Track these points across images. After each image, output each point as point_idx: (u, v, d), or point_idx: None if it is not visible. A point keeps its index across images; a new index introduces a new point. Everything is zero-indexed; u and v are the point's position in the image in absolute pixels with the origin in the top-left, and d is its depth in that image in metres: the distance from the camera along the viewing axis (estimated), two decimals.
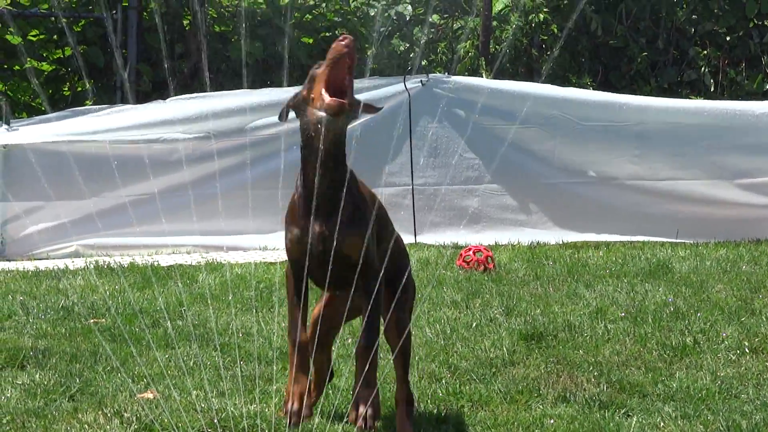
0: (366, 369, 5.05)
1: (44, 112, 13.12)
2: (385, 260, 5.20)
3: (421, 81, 11.49)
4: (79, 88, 17.00)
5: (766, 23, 17.27)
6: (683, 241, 11.09)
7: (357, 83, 11.51)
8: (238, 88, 12.18)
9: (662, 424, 5.71)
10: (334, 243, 5.05)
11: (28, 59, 18.20)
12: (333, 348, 5.72)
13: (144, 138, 10.90)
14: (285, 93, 11.27)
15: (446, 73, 12.37)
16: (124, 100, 14.61)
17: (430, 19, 18.08)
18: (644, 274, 9.45)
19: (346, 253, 5.07)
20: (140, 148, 10.73)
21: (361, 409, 5.03)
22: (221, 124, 11.04)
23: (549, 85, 12.17)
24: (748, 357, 7.00)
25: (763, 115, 11.65)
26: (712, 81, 16.73)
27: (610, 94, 12.11)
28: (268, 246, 10.83)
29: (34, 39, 18.42)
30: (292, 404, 5.14)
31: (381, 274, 5.13)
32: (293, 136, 10.80)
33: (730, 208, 11.58)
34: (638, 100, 11.97)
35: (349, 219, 5.08)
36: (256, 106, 11.20)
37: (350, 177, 5.21)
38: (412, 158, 11.39)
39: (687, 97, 15.73)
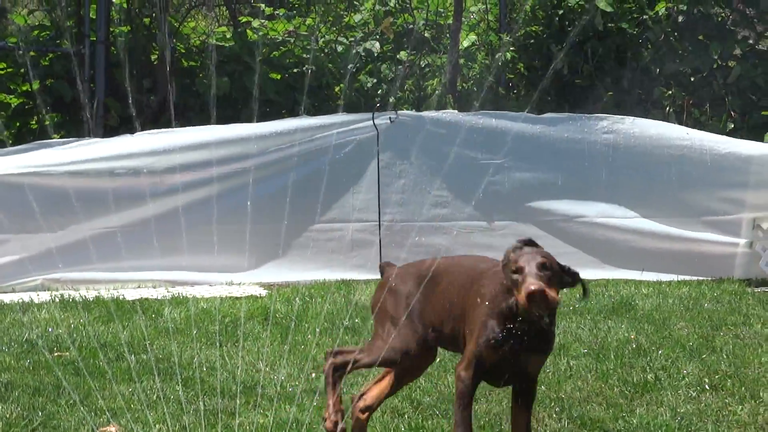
0: None
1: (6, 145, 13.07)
2: None
3: (389, 118, 11.49)
4: (47, 122, 16.97)
5: (729, 64, 17.40)
6: (646, 279, 11.11)
7: (326, 119, 11.69)
8: (206, 123, 12.18)
9: None
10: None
11: None
12: None
13: (109, 171, 10.87)
14: (252, 128, 11.41)
15: (414, 110, 12.39)
16: (91, 134, 14.58)
17: (398, 56, 18.13)
18: (607, 310, 9.49)
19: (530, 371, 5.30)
20: (105, 181, 10.72)
21: None
22: (188, 158, 11.03)
23: (523, 115, 12.09)
24: (708, 394, 7.05)
25: (727, 155, 11.69)
26: (676, 121, 16.81)
27: (580, 127, 12.00)
28: (233, 281, 10.84)
29: (1, 72, 18.39)
30: None
31: None
32: (260, 171, 11.03)
33: (694, 244, 11.62)
34: (608, 135, 11.91)
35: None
36: (222, 141, 11.21)
37: None
38: (379, 194, 11.39)
39: None
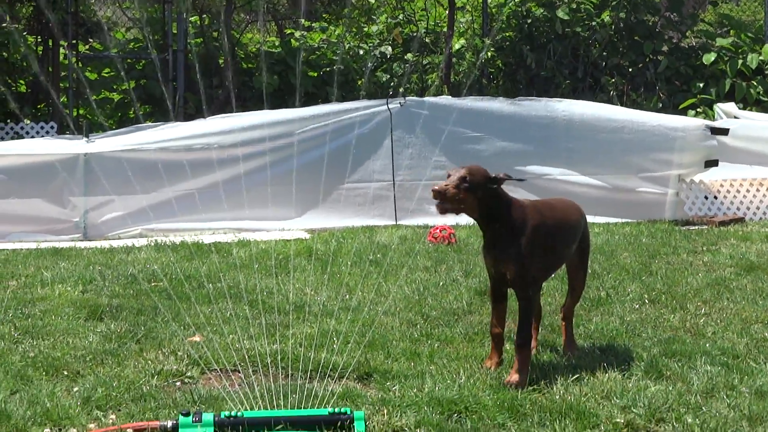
0: (518, 357, 5.21)
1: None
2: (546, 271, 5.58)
3: (399, 102, 11.49)
4: (140, 112, 16.99)
5: (659, 58, 17.33)
6: (598, 221, 11.09)
7: (351, 104, 11.66)
8: (260, 110, 12.15)
9: (584, 356, 5.72)
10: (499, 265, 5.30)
11: (102, 90, 18.19)
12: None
13: (187, 147, 10.88)
14: (295, 113, 11.39)
15: (419, 96, 12.36)
16: (174, 120, 14.58)
17: (406, 57, 18.09)
18: None
19: (503, 272, 5.28)
20: (184, 154, 10.73)
21: (513, 378, 5.15)
22: (247, 136, 11.03)
23: (501, 99, 12.05)
24: (647, 306, 7.03)
25: (658, 126, 11.67)
26: (618, 102, 16.74)
27: (546, 107, 11.94)
28: (284, 228, 10.84)
29: (106, 75, 18.40)
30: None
31: (532, 287, 5.34)
32: (302, 144, 10.99)
33: (633, 195, 11.63)
34: (565, 112, 11.86)
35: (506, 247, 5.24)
36: (273, 123, 11.22)
37: (510, 215, 5.25)
38: (393, 161, 11.39)
39: None
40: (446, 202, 5.09)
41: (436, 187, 5.08)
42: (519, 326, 5.25)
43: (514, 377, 5.12)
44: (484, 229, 5.32)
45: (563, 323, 5.90)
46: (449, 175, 5.21)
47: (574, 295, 5.94)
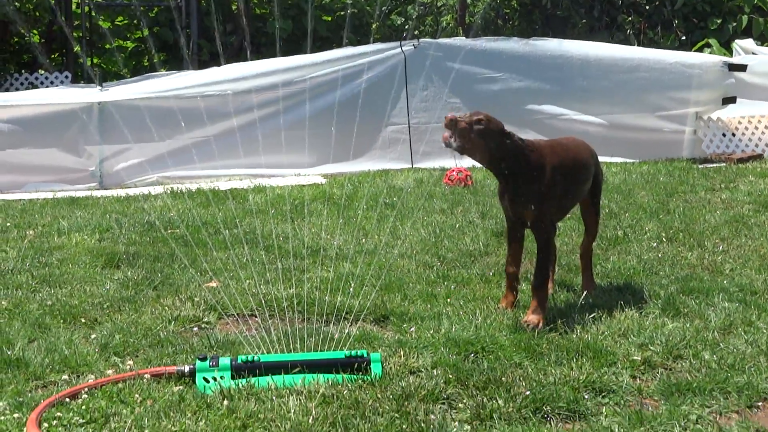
0: (535, 297, 5.19)
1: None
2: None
3: (413, 44, 11.38)
4: (155, 60, 16.92)
5: None
6: (615, 161, 11.03)
7: (365, 48, 11.57)
8: (274, 56, 12.08)
9: (601, 294, 5.69)
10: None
11: (116, 39, 18.11)
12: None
13: (203, 94, 10.83)
14: (308, 58, 11.30)
15: (432, 38, 12.23)
16: (188, 67, 14.52)
17: None
18: None
19: (521, 215, 5.27)
20: (200, 101, 10.68)
21: (531, 318, 5.12)
22: (261, 82, 10.97)
23: (515, 39, 11.93)
24: (664, 244, 6.97)
25: (675, 63, 11.55)
26: (635, 41, 16.55)
27: (560, 48, 11.83)
28: (300, 173, 10.81)
29: (119, 24, 18.30)
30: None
31: (550, 228, 5.32)
32: (312, 91, 10.93)
33: (651, 133, 11.55)
34: (580, 51, 11.73)
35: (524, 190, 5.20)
36: (286, 69, 11.15)
37: (526, 159, 5.18)
38: (408, 104, 11.31)
39: None
40: (455, 134, 4.99)
41: (450, 115, 5.02)
42: (537, 268, 5.23)
43: (531, 317, 5.10)
44: (497, 175, 5.28)
45: (581, 261, 5.87)
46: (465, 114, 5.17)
47: (589, 233, 5.90)
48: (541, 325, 5.04)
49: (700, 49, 15.61)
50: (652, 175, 9.94)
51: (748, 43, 14.24)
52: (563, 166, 5.31)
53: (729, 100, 11.45)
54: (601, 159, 11.02)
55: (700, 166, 10.63)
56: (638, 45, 16.44)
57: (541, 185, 5.16)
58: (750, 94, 11.86)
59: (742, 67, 11.56)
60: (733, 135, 11.62)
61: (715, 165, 10.80)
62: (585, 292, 5.63)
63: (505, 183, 5.25)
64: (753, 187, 9.13)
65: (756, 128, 11.72)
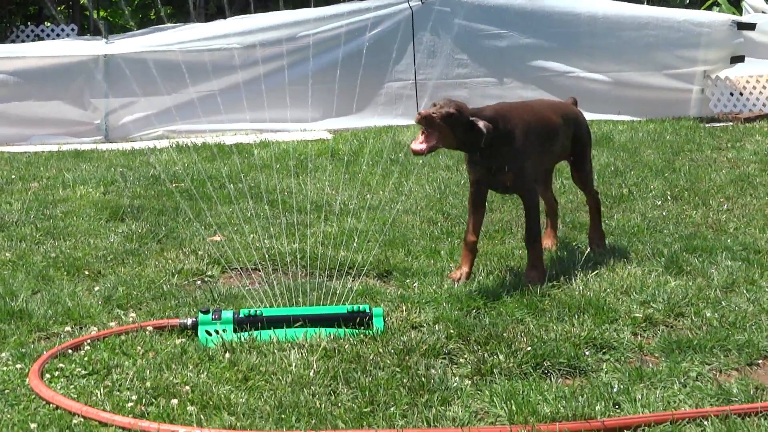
0: (531, 255, 5.18)
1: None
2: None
3: (421, 0, 11.29)
4: (162, 13, 16.82)
5: None
6: (622, 119, 10.99)
7: (372, 3, 11.47)
8: (279, 9, 11.99)
9: (604, 253, 5.67)
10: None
11: None
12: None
13: (209, 48, 10.77)
14: (313, 12, 11.20)
15: None
16: (195, 20, 14.43)
17: None
18: (592, 143, 9.32)
19: (501, 180, 5.20)
20: (206, 55, 10.63)
21: (531, 274, 5.12)
22: (266, 36, 10.89)
23: None
24: (669, 203, 6.95)
25: (684, 21, 11.46)
26: None
27: (568, 4, 11.74)
28: (306, 128, 10.77)
29: None
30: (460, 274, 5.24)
31: (532, 186, 5.24)
32: (318, 46, 10.85)
33: (658, 92, 11.49)
34: (589, 8, 11.63)
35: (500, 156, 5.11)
36: (292, 23, 11.07)
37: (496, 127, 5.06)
38: (414, 59, 11.25)
39: None
40: (428, 134, 4.86)
41: (423, 112, 4.89)
42: (527, 225, 5.20)
43: (532, 273, 5.10)
44: (469, 151, 5.14)
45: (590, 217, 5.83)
46: (434, 105, 5.01)
47: (585, 192, 5.86)
48: (541, 279, 5.04)
49: (709, 8, 15.47)
50: (658, 134, 9.89)
51: (758, 1, 14.10)
52: (532, 125, 5.24)
53: (737, 59, 11.37)
54: (606, 117, 11.05)
55: (707, 125, 10.57)
56: (647, 3, 16.31)
57: (516, 148, 5.09)
58: (758, 53, 11.78)
59: (751, 26, 11.46)
60: (741, 94, 11.55)
61: (721, 124, 10.75)
62: (588, 249, 5.61)
63: (479, 155, 5.11)
64: (759, 147, 9.08)
65: (764, 88, 11.65)
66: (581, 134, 5.70)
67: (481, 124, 4.95)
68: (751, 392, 3.81)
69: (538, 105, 5.65)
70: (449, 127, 4.91)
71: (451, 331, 4.37)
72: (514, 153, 5.09)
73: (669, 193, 7.21)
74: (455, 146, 5.08)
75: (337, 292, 4.86)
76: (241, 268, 5.45)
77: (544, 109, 5.56)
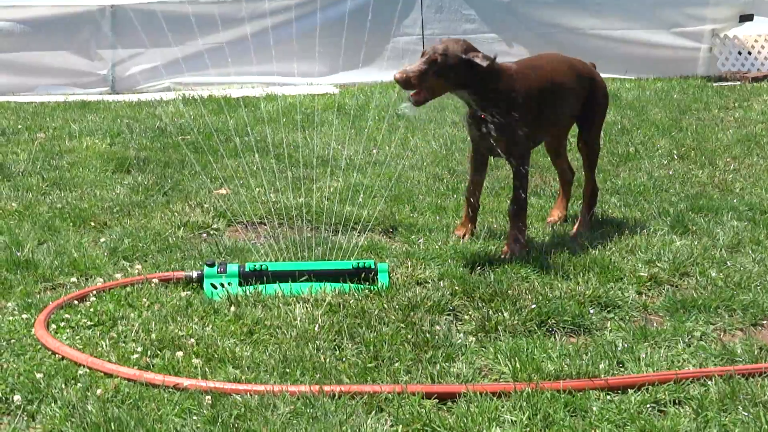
0: (513, 227, 4.87)
1: None
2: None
3: None
4: None
5: None
6: (629, 77, 10.92)
7: None
8: None
9: (610, 210, 5.65)
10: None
11: None
12: None
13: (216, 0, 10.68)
14: None
15: None
16: None
17: None
18: None
19: (493, 144, 4.84)
20: (214, 7, 10.53)
21: (508, 248, 4.84)
22: None
23: None
24: (676, 162, 6.91)
25: None
26: None
27: None
28: (313, 83, 10.70)
29: None
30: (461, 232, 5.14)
31: (524, 155, 4.88)
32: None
33: (666, 50, 11.41)
34: None
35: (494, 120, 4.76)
36: None
37: (496, 86, 4.72)
38: (422, 13, 11.15)
39: None
40: (412, 89, 4.52)
41: (397, 75, 4.50)
42: (513, 195, 4.88)
43: (512, 246, 4.80)
44: (467, 102, 4.82)
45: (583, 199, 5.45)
46: (423, 54, 4.65)
47: (584, 164, 5.39)
48: (517, 255, 4.74)
49: None
50: (665, 92, 9.82)
51: None
52: (535, 89, 4.87)
53: (746, 18, 11.28)
54: (614, 75, 10.93)
55: (715, 84, 10.50)
56: None
57: (511, 113, 4.72)
58: None
59: None
60: (749, 53, 11.45)
61: (729, 83, 10.67)
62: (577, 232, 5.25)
63: (473, 109, 4.81)
64: (766, 107, 9.02)
65: None
66: (594, 99, 5.27)
67: (479, 58, 4.57)
68: (755, 353, 3.80)
69: (549, 63, 5.23)
70: (435, 77, 4.55)
71: (456, 287, 4.36)
72: (509, 118, 4.72)
73: (675, 152, 7.16)
74: (456, 90, 4.71)
75: (343, 247, 4.84)
76: (246, 221, 5.43)
77: (556, 67, 5.17)
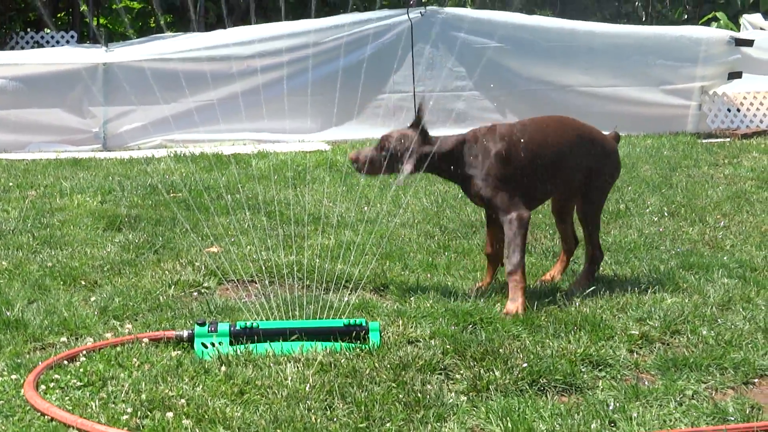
0: (511, 288, 4.91)
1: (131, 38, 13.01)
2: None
3: (420, 12, 11.32)
4: (161, 21, 16.84)
5: None
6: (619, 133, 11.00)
7: (371, 14, 11.49)
8: (279, 20, 12.01)
9: (601, 268, 5.66)
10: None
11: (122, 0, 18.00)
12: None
13: (208, 57, 10.77)
14: (313, 23, 11.21)
15: (440, 6, 12.18)
16: (195, 29, 14.45)
17: None
18: None
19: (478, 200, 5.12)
20: (205, 65, 10.62)
21: (508, 308, 4.86)
22: (265, 47, 10.89)
23: (519, 14, 11.98)
24: (666, 219, 6.96)
25: (681, 37, 11.52)
26: (643, 12, 16.46)
27: (565, 21, 11.90)
28: (304, 139, 10.77)
29: None
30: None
31: (511, 213, 4.93)
32: (317, 57, 10.85)
33: (655, 107, 11.53)
34: (586, 26, 11.79)
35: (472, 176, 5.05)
36: (292, 34, 11.07)
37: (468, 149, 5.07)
38: (413, 71, 11.26)
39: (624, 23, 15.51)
40: (363, 169, 5.05)
41: (352, 154, 5.06)
42: (506, 252, 4.92)
43: (509, 307, 4.85)
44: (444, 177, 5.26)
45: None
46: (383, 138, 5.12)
47: (584, 234, 5.41)
48: (519, 311, 4.80)
49: (708, 23, 15.52)
50: (655, 149, 9.90)
51: (756, 17, 14.16)
52: (519, 148, 4.98)
53: (735, 75, 11.41)
54: (605, 132, 11.03)
55: (704, 141, 10.59)
56: (646, 17, 16.37)
57: (487, 171, 4.94)
58: (756, 69, 11.81)
59: (749, 42, 11.51)
60: (738, 110, 11.58)
61: (719, 140, 10.77)
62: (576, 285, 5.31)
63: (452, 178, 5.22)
64: (756, 163, 9.10)
65: (761, 104, 11.67)
66: (598, 171, 5.28)
67: (407, 167, 5.00)
68: (747, 411, 3.80)
69: (553, 125, 5.33)
70: (376, 167, 5.05)
71: (448, 346, 4.36)
72: (484, 177, 4.96)
73: (666, 209, 7.21)
74: (414, 173, 5.07)
75: (334, 305, 4.85)
76: (237, 279, 5.44)
77: (561, 130, 5.27)
